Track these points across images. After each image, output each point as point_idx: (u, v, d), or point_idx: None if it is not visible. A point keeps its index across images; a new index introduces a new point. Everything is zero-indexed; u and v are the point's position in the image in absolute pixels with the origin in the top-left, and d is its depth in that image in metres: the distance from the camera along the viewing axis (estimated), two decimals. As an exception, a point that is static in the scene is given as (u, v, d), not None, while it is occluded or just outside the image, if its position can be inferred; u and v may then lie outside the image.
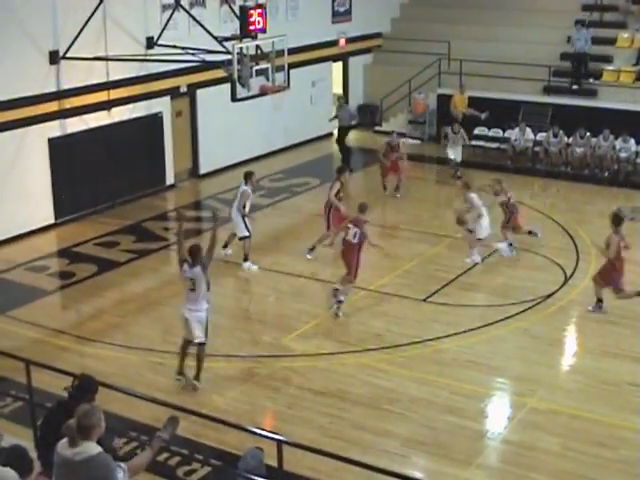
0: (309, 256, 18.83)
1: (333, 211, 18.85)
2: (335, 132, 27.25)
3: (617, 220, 16.17)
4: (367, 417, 12.83)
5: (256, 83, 19.57)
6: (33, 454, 8.44)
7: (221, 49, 19.71)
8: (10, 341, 15.01)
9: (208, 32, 20.30)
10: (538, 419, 12.70)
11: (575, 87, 27.08)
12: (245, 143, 25.34)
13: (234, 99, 19.45)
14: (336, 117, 26.48)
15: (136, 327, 16.08)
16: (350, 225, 16.30)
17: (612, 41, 27.72)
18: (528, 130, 25.86)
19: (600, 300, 16.21)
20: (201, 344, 13.54)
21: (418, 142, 28.57)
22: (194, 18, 21.44)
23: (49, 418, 9.20)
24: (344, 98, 26.24)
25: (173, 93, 23.64)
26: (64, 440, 7.61)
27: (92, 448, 7.45)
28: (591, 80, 26.88)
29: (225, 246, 18.70)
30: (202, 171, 24.82)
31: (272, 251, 19.46)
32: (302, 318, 16.20)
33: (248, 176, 18.45)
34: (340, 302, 16.14)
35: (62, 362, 13.97)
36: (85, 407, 7.62)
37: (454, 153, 24.88)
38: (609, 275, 16.06)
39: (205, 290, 13.46)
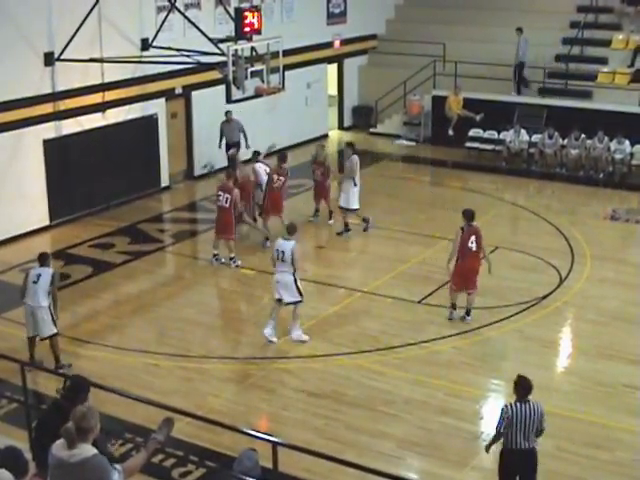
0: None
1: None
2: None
3: (468, 214, 15.64)
4: (362, 419, 12.83)
5: (251, 85, 19.59)
6: (28, 455, 8.43)
7: (216, 51, 19.69)
8: (5, 343, 15.02)
9: (203, 34, 20.29)
10: (533, 420, 12.71)
11: (515, 93, 27.52)
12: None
13: (229, 101, 19.47)
14: (222, 136, 23.70)
15: (131, 329, 16.08)
16: (220, 192, 18.32)
17: (607, 43, 27.77)
18: (523, 132, 25.88)
19: (454, 306, 15.94)
20: (50, 336, 14.11)
21: (413, 144, 28.58)
22: (189, 20, 21.43)
23: (44, 419, 9.20)
24: (230, 112, 23.15)
25: (168, 95, 23.63)
26: (59, 442, 7.61)
27: (88, 450, 7.46)
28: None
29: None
30: (197, 173, 24.79)
31: (267, 252, 19.45)
32: (297, 320, 16.21)
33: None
34: (215, 255, 18.65)
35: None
36: (82, 409, 7.62)
37: (344, 197, 20.32)
38: (458, 277, 15.78)
39: (47, 287, 13.93)
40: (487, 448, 10.43)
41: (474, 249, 15.45)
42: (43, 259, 14.22)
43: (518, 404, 10.04)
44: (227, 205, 18.25)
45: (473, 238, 15.41)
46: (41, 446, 8.52)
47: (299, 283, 15.01)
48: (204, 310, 16.73)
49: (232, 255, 18.57)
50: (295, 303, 15.10)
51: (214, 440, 11.98)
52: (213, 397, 13.48)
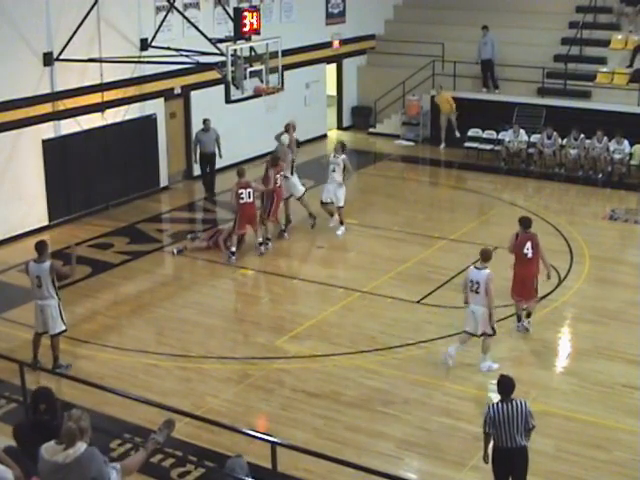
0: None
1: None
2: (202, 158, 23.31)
3: (524, 222, 15.38)
4: (361, 419, 12.83)
5: (250, 85, 19.59)
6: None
7: (215, 51, 19.71)
8: (4, 343, 15.02)
9: (202, 34, 20.30)
10: (532, 421, 12.72)
11: (485, 90, 27.97)
12: (239, 145, 25.31)
13: (228, 101, 19.45)
14: (196, 147, 23.16)
15: (130, 329, 16.07)
16: (242, 190, 18.59)
17: (606, 43, 27.78)
18: (522, 132, 25.88)
19: (519, 317, 15.56)
20: (54, 335, 14.09)
21: (412, 144, 28.59)
22: (188, 20, 21.43)
23: (26, 437, 8.87)
24: (209, 120, 22.87)
25: (167, 95, 23.63)
26: (49, 445, 7.60)
27: (80, 447, 7.53)
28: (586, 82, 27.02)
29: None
30: (196, 173, 24.76)
31: (265, 252, 19.45)
32: (296, 320, 16.21)
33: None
34: (232, 253, 18.81)
35: (56, 364, 14.09)
36: (77, 412, 7.71)
37: (328, 193, 20.27)
38: (517, 285, 15.35)
39: (52, 286, 13.89)
40: (484, 457, 10.42)
41: (530, 256, 15.06)
42: (40, 250, 13.88)
43: (500, 404, 10.10)
44: (251, 199, 18.68)
45: (529, 245, 15.04)
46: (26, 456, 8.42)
47: (494, 316, 13.99)
48: (203, 310, 16.72)
49: (260, 240, 19.14)
50: (488, 335, 14.09)
51: (213, 440, 11.99)
52: (212, 397, 13.48)
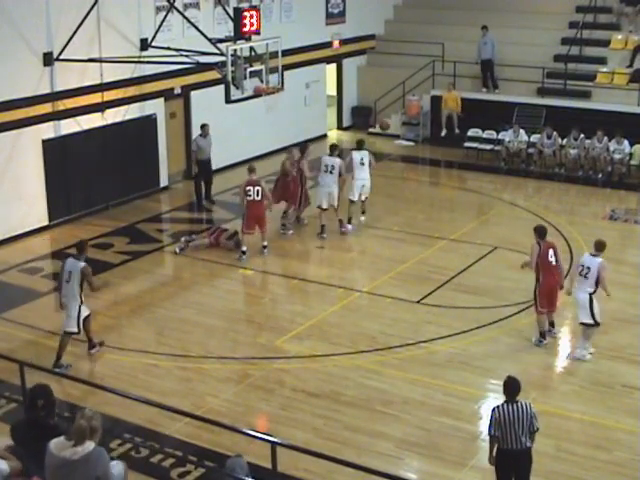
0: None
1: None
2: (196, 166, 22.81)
3: (540, 230, 15.03)
4: (361, 419, 12.83)
5: (250, 85, 19.59)
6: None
7: (215, 51, 19.71)
8: (4, 343, 15.02)
9: (202, 34, 20.30)
10: (532, 421, 12.71)
11: (485, 90, 28.09)
12: (239, 145, 25.32)
13: (228, 101, 19.45)
14: (197, 149, 22.48)
15: (130, 329, 16.07)
16: (249, 187, 18.59)
17: (606, 43, 27.79)
18: (522, 132, 25.87)
19: (542, 334, 15.04)
20: (66, 333, 14.27)
21: (412, 144, 28.58)
22: (188, 20, 21.43)
23: (24, 435, 8.86)
24: (207, 125, 22.43)
25: (167, 95, 23.63)
26: (57, 441, 7.67)
27: (89, 445, 7.61)
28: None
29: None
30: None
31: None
32: (296, 320, 16.21)
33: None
34: (243, 252, 18.88)
35: (56, 364, 14.08)
36: (89, 411, 7.79)
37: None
38: (544, 297, 14.88)
39: (78, 286, 14.08)
40: (490, 459, 10.38)
41: (554, 263, 14.88)
42: (78, 249, 14.45)
43: (506, 405, 10.09)
44: (259, 198, 18.62)
45: (551, 252, 14.84)
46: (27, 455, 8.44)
47: (595, 306, 14.14)
48: (203, 310, 16.72)
49: (265, 243, 19.16)
50: (587, 325, 14.33)
51: (213, 440, 11.99)
52: (212, 397, 13.48)
